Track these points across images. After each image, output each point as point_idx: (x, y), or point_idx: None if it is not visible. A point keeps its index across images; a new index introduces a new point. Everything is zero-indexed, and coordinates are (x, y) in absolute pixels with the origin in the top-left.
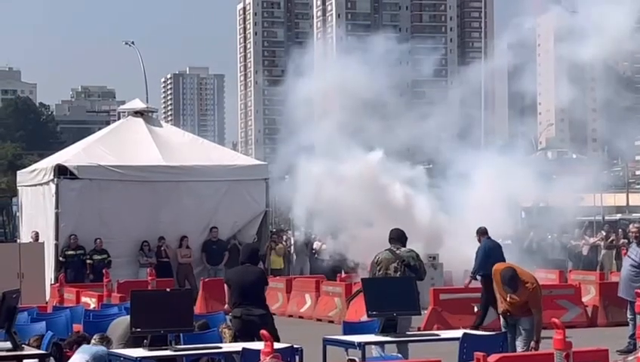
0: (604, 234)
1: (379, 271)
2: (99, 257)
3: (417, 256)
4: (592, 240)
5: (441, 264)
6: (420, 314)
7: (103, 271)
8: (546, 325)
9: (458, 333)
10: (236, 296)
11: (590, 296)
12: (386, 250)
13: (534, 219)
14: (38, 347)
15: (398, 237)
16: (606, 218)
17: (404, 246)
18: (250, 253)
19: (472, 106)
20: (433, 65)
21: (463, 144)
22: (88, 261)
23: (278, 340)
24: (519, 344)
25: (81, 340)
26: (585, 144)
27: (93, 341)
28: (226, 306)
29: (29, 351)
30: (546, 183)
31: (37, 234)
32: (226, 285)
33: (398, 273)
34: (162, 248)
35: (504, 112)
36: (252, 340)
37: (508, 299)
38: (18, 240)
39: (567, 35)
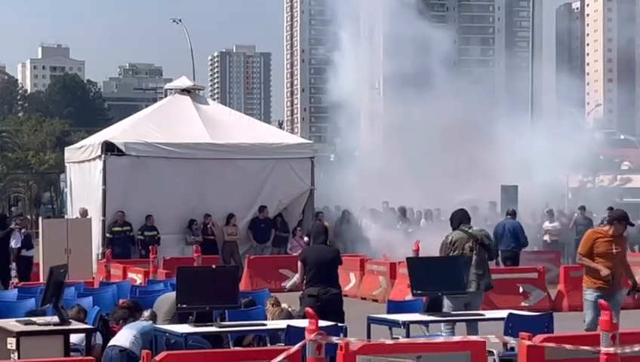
0: None
1: (454, 250)
2: (149, 234)
3: (489, 235)
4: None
5: None
6: (466, 293)
7: (150, 247)
8: None
9: (503, 313)
10: (312, 274)
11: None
12: (457, 229)
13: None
14: (82, 319)
15: (467, 217)
16: None
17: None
18: (325, 233)
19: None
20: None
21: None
22: (139, 237)
23: (343, 321)
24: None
25: (128, 316)
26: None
27: (142, 317)
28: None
29: (75, 325)
30: (594, 163)
31: (84, 211)
32: (300, 263)
33: (474, 252)
34: (209, 225)
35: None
36: (328, 319)
37: (614, 250)
38: (66, 216)
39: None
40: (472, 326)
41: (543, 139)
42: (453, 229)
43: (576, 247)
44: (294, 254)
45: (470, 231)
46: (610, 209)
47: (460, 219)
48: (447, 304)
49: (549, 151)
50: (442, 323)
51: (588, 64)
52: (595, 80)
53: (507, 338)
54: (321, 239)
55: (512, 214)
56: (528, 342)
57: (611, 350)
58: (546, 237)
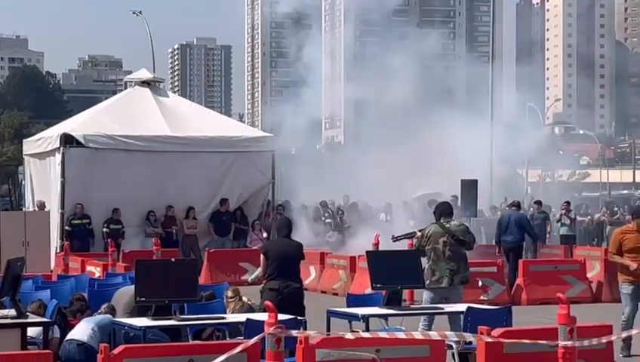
0: (607, 210)
1: (427, 244)
2: (115, 227)
3: (467, 229)
4: (597, 215)
5: None
6: (424, 287)
7: (108, 240)
8: (551, 300)
9: (462, 307)
10: (274, 268)
11: (595, 271)
12: (434, 223)
13: (540, 194)
14: (41, 314)
15: (448, 211)
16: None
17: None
18: (288, 227)
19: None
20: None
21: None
22: (104, 230)
23: (304, 314)
24: None
25: (85, 309)
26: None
27: (100, 310)
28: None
29: (33, 318)
30: (553, 158)
31: (42, 203)
32: (263, 256)
33: (447, 247)
34: (171, 215)
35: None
36: (289, 313)
37: None
38: (24, 209)
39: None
40: (453, 320)
41: (503, 133)
42: (435, 222)
43: (533, 242)
44: (254, 248)
45: (447, 225)
46: (568, 203)
47: (440, 212)
48: (425, 298)
49: (508, 145)
50: (421, 317)
51: (548, 59)
52: (555, 75)
53: (465, 334)
54: (284, 232)
55: (517, 206)
56: (487, 339)
57: (569, 344)
58: None
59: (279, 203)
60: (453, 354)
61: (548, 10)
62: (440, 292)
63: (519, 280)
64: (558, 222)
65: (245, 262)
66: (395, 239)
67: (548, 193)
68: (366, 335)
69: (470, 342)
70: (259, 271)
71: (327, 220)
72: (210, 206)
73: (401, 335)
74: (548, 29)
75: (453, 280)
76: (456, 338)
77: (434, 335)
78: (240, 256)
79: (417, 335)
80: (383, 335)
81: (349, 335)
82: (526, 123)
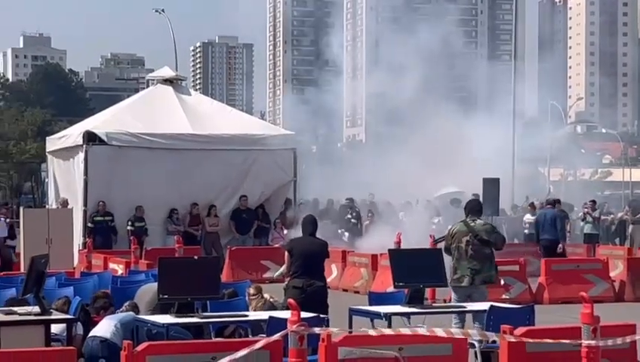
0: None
1: (452, 243)
2: (139, 224)
3: (493, 228)
4: (619, 214)
5: None
6: (447, 285)
7: (130, 237)
8: (573, 299)
9: (485, 306)
10: (298, 265)
11: (618, 270)
12: (461, 221)
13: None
14: (66, 311)
15: (476, 209)
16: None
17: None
18: (313, 224)
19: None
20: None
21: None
22: (129, 228)
23: (327, 313)
24: None
25: (109, 306)
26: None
27: (123, 308)
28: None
29: (57, 315)
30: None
31: (65, 201)
32: (287, 253)
33: (470, 246)
34: (195, 213)
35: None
36: (312, 311)
37: None
38: (47, 206)
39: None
40: (477, 318)
41: (525, 131)
42: (462, 220)
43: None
44: (275, 245)
45: (472, 224)
46: (593, 202)
47: (468, 210)
48: (452, 296)
49: (530, 143)
50: (453, 316)
51: (570, 57)
52: (577, 73)
53: (488, 334)
54: (309, 230)
55: (552, 204)
56: (511, 338)
57: (593, 343)
58: (527, 230)
59: (300, 201)
60: (475, 353)
61: (570, 8)
62: (461, 290)
63: (541, 279)
64: (582, 220)
65: (267, 260)
66: (437, 241)
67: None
68: (388, 331)
69: (494, 341)
70: (283, 268)
71: (353, 220)
72: (231, 204)
73: (422, 331)
74: (570, 27)
75: (475, 280)
76: (479, 337)
77: (457, 333)
78: (261, 254)
79: (439, 332)
80: (405, 330)
81: (372, 332)
82: (548, 121)
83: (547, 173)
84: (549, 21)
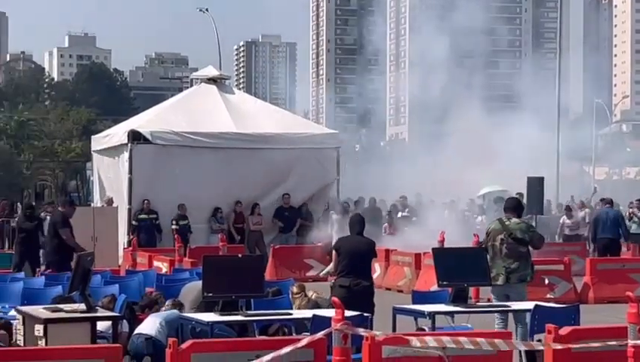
0: None
1: (487, 241)
2: (183, 223)
3: (529, 227)
4: None
5: None
6: (491, 284)
7: (175, 236)
8: (619, 299)
9: (530, 305)
10: (345, 264)
11: None
12: (497, 219)
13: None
14: (112, 308)
15: (513, 207)
16: None
17: (519, 216)
18: (360, 224)
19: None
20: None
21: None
22: (174, 226)
23: (373, 312)
24: None
25: (153, 304)
26: None
27: (165, 306)
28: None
29: (102, 313)
30: (620, 156)
31: (110, 199)
32: (334, 252)
33: (504, 245)
34: (239, 211)
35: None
36: (358, 310)
37: None
38: (92, 205)
39: None
40: (519, 318)
41: (570, 130)
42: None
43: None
44: (319, 244)
45: (507, 222)
46: (639, 201)
47: (506, 208)
48: (492, 295)
49: (574, 142)
50: (495, 314)
51: (615, 55)
52: (623, 71)
53: (535, 343)
54: (357, 229)
55: (610, 203)
56: (557, 346)
57: (639, 342)
58: (567, 231)
59: (344, 200)
60: (520, 353)
61: (616, 6)
62: (497, 289)
63: (586, 279)
64: (629, 220)
65: (310, 259)
66: (481, 243)
67: (615, 191)
68: (431, 341)
69: (539, 341)
70: (330, 266)
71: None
72: (274, 202)
73: (465, 340)
74: (616, 25)
75: (510, 278)
76: (524, 348)
77: (501, 344)
78: (305, 253)
79: (484, 345)
80: (446, 340)
81: (416, 342)
82: (593, 120)
83: (592, 171)
84: (594, 19)
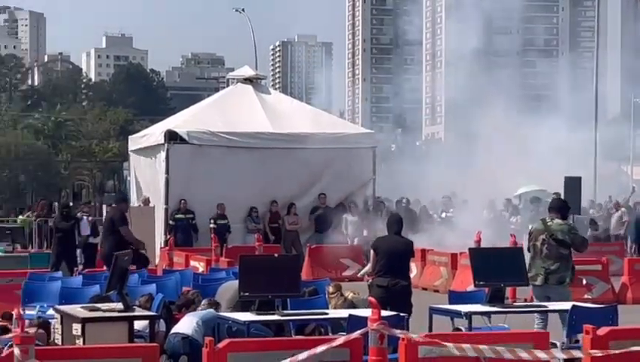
0: None
1: (529, 241)
2: (222, 222)
3: (571, 229)
4: None
5: None
6: (528, 284)
7: (212, 235)
8: None
9: (567, 305)
10: (382, 264)
11: None
12: (541, 219)
13: None
14: (149, 308)
15: (558, 208)
16: None
17: (565, 217)
18: (399, 223)
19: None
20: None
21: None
22: (212, 225)
23: (410, 312)
24: None
25: (190, 303)
26: None
27: (202, 305)
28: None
29: (139, 312)
30: None
31: (147, 199)
32: (372, 252)
33: (545, 245)
34: (275, 211)
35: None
36: (396, 310)
37: None
38: (129, 204)
39: None
40: (563, 318)
41: (607, 129)
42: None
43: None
44: (355, 244)
45: (549, 223)
46: None
47: (551, 208)
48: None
49: (612, 142)
50: (535, 314)
51: None
52: None
53: (574, 351)
54: (395, 229)
55: None
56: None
57: None
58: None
59: (380, 199)
60: None
61: None
62: (536, 290)
63: (624, 279)
64: None
65: (346, 259)
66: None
67: None
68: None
69: (577, 341)
70: (368, 267)
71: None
72: (310, 202)
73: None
74: None
75: (548, 279)
76: (564, 356)
77: (540, 355)
78: (341, 252)
79: (523, 354)
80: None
81: (454, 349)
82: (631, 119)
83: (630, 171)
84: (632, 18)
